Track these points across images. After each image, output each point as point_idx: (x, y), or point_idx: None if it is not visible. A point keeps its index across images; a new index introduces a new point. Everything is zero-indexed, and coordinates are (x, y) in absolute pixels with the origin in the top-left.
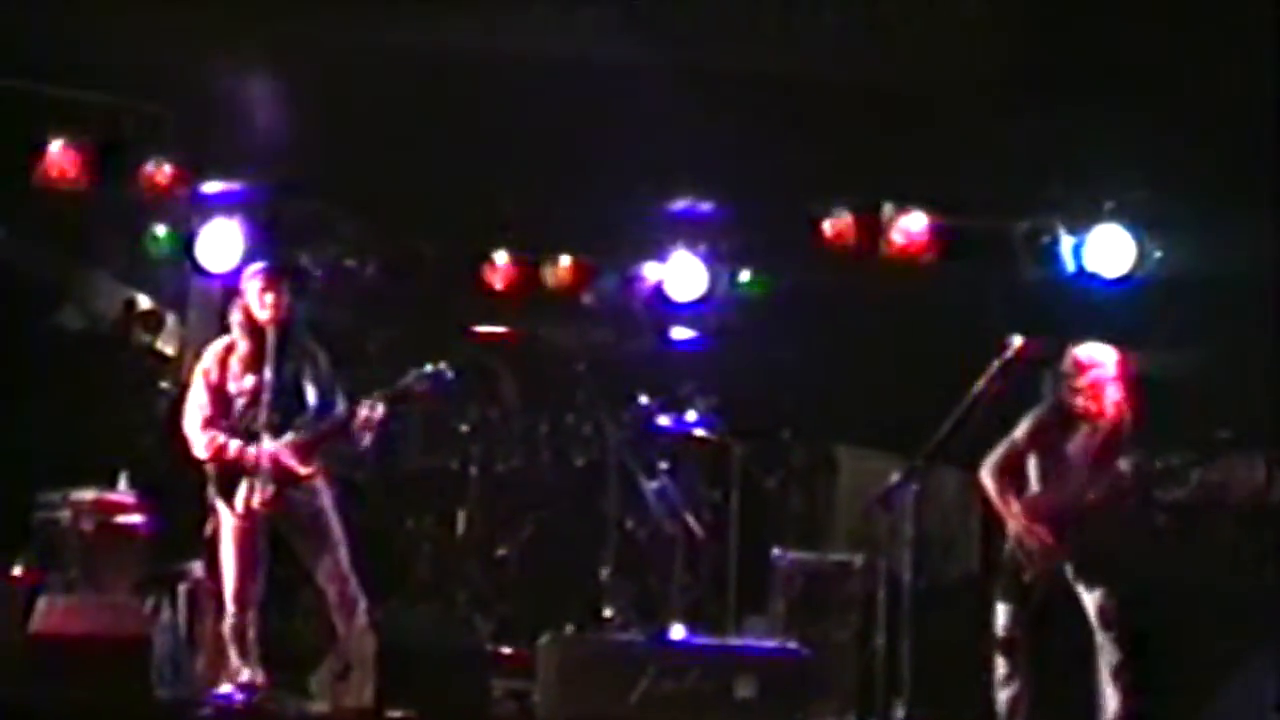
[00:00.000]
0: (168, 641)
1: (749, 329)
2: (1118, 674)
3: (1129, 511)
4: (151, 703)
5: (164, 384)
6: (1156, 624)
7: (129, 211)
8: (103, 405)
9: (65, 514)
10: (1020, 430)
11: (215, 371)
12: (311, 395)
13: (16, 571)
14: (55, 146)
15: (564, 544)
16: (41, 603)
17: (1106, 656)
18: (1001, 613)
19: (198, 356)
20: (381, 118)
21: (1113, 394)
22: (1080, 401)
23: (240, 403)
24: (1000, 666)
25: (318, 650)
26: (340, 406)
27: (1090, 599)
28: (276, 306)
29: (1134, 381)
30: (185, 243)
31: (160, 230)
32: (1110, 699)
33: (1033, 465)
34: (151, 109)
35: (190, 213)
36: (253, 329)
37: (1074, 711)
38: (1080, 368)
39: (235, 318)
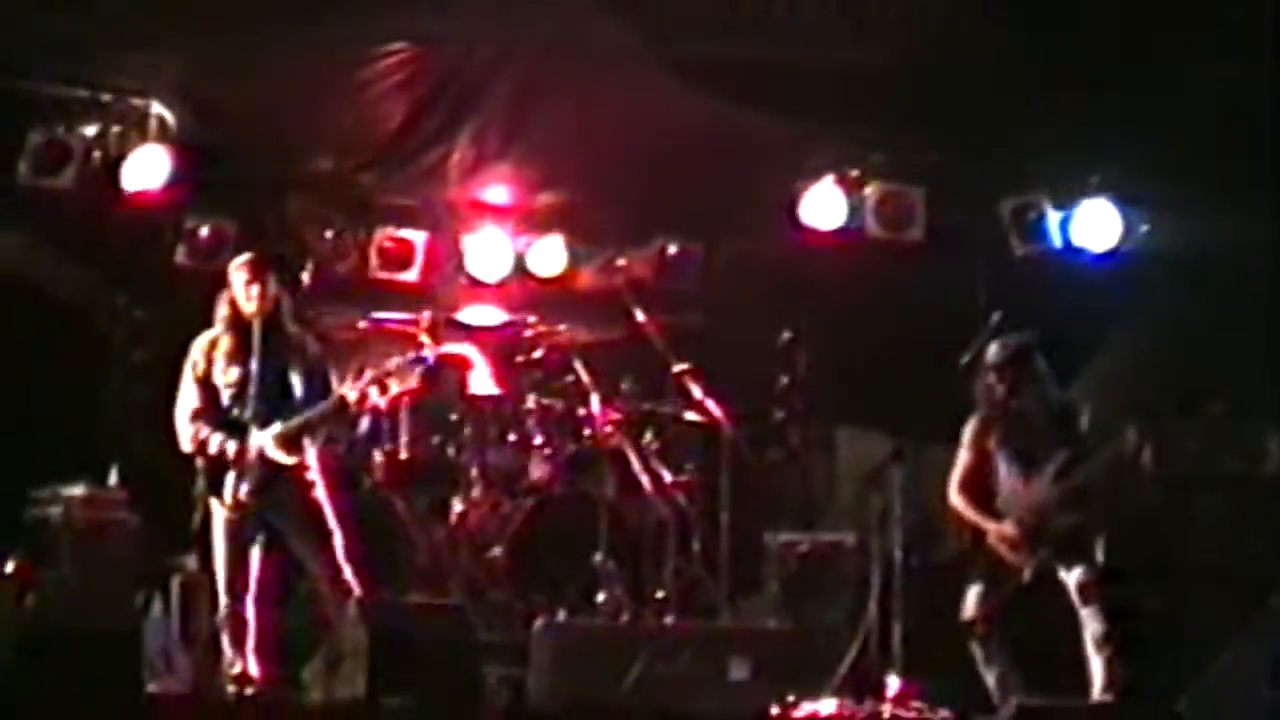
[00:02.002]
0: (160, 635)
1: (743, 310)
2: (1101, 645)
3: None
4: (144, 696)
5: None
6: (1145, 596)
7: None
8: (92, 399)
9: (57, 510)
10: (965, 439)
11: (202, 364)
12: (298, 386)
13: (9, 568)
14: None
15: (556, 530)
16: (33, 599)
17: (1090, 629)
18: (971, 594)
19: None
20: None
21: (1027, 379)
22: (1001, 394)
23: (227, 395)
24: (975, 649)
25: (311, 641)
26: (329, 396)
27: (1070, 578)
28: (262, 298)
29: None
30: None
31: None
32: (1097, 670)
33: (1000, 465)
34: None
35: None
36: (238, 321)
37: (1065, 686)
38: (995, 362)
39: (221, 310)
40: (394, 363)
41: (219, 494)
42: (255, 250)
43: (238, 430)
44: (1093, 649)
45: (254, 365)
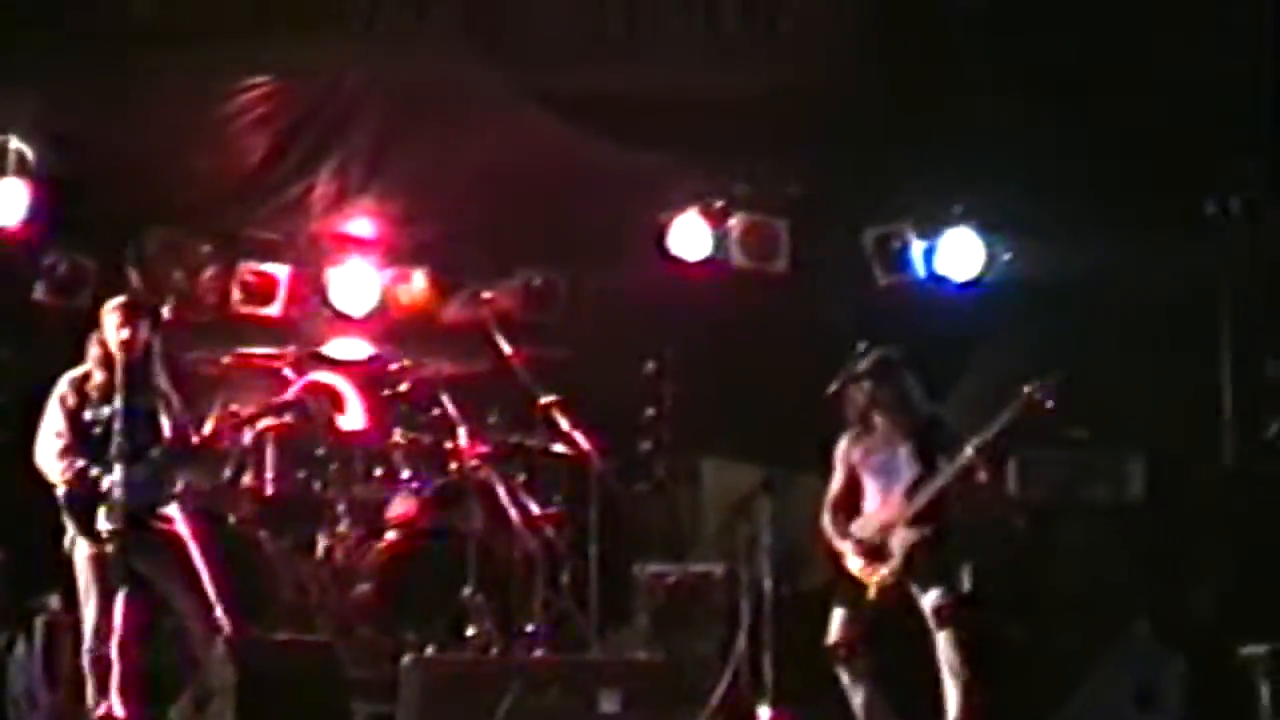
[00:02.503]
0: (23, 676)
1: (608, 341)
2: (956, 672)
3: (977, 499)
4: None
5: None
6: (1009, 624)
7: None
8: None
9: None
10: (836, 457)
11: (71, 398)
12: (166, 426)
13: None
14: None
15: (424, 565)
16: None
17: (944, 655)
18: (835, 618)
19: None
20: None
21: (877, 398)
22: (863, 403)
23: (96, 432)
24: (842, 674)
25: (178, 680)
26: (194, 435)
27: (926, 600)
28: (132, 340)
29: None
30: None
31: None
32: (951, 697)
33: (866, 484)
34: None
35: None
36: (109, 360)
37: (924, 712)
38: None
39: (93, 351)
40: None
41: (86, 529)
42: (118, 287)
43: (106, 465)
44: (947, 675)
45: (118, 402)
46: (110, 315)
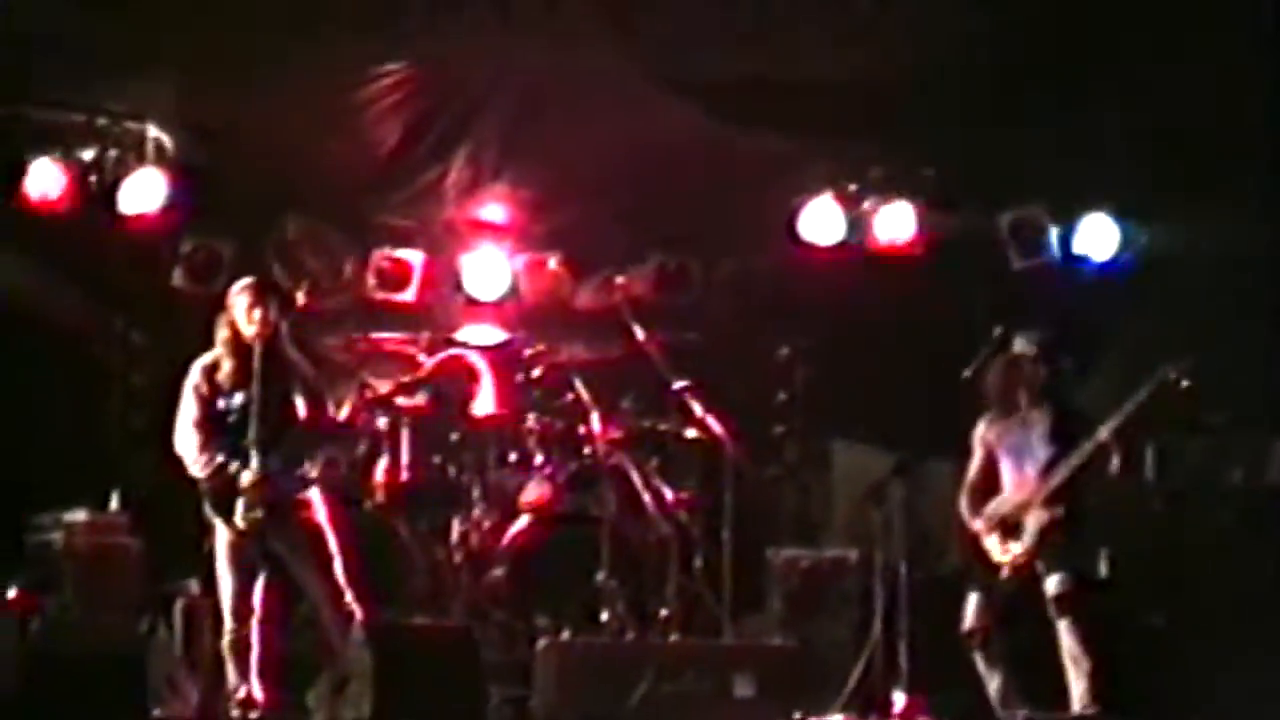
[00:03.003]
0: (164, 661)
1: (741, 326)
2: (1077, 660)
3: (1114, 485)
4: None
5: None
6: (1150, 612)
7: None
8: (91, 424)
9: (58, 536)
10: (975, 438)
11: (205, 387)
12: (301, 409)
13: (11, 594)
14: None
15: (558, 549)
16: (36, 624)
17: (1065, 644)
18: (970, 603)
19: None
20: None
21: (1034, 380)
22: (1005, 391)
23: (231, 419)
24: (977, 659)
25: (315, 665)
26: (329, 418)
27: (1048, 586)
28: (264, 323)
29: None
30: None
31: None
32: (1074, 684)
33: (1002, 464)
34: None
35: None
36: (239, 345)
37: (1056, 701)
38: (1008, 360)
39: (221, 334)
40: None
41: (226, 518)
42: (255, 274)
43: (242, 454)
44: (1069, 662)
45: (256, 389)
46: (240, 297)
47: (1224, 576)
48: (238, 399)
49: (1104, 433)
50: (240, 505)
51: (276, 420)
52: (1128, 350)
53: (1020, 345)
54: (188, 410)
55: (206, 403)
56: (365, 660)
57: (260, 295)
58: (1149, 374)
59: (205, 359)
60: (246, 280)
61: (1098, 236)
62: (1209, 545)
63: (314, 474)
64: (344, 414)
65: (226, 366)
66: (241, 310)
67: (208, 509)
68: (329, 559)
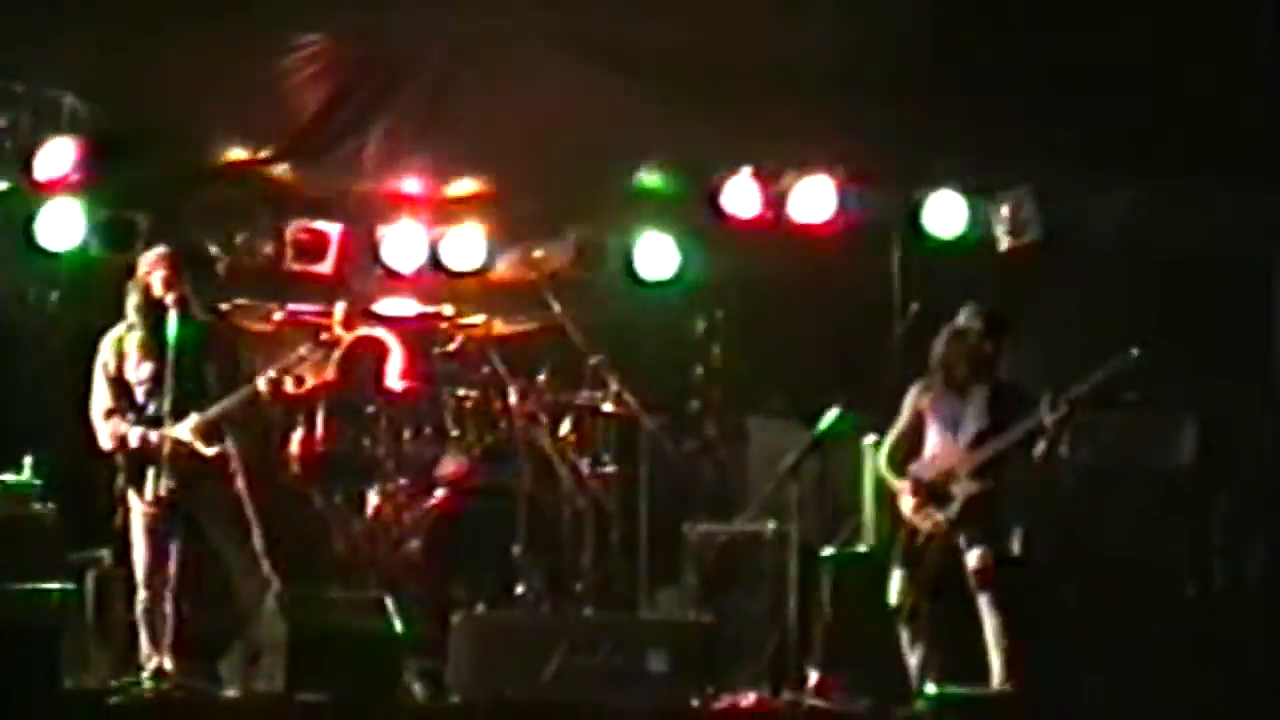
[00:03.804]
0: (76, 631)
1: (656, 302)
2: (997, 635)
3: (1038, 461)
4: (60, 693)
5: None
6: (1058, 587)
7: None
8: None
9: None
10: (906, 402)
11: (113, 362)
12: (212, 378)
13: None
14: None
15: (474, 521)
16: None
17: (985, 618)
18: (895, 579)
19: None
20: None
21: (977, 354)
22: (947, 361)
23: (141, 391)
24: (901, 633)
25: (228, 635)
26: (242, 388)
27: (969, 560)
28: (177, 291)
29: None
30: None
31: None
32: (994, 658)
33: (930, 430)
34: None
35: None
36: (149, 313)
37: (975, 674)
38: (954, 332)
39: (133, 300)
40: (305, 349)
41: (139, 489)
42: (171, 243)
43: (154, 424)
44: (989, 636)
45: (169, 357)
46: (153, 265)
47: (1135, 554)
48: (148, 369)
49: (1046, 412)
50: (151, 475)
51: (189, 390)
52: (1037, 329)
53: (965, 318)
54: (99, 384)
55: (115, 377)
56: (279, 631)
57: (174, 264)
58: (1067, 353)
59: (114, 332)
60: (160, 249)
61: (1007, 216)
62: (1121, 523)
63: (229, 442)
64: (262, 385)
65: (136, 337)
66: (157, 279)
67: (120, 479)
68: (247, 527)
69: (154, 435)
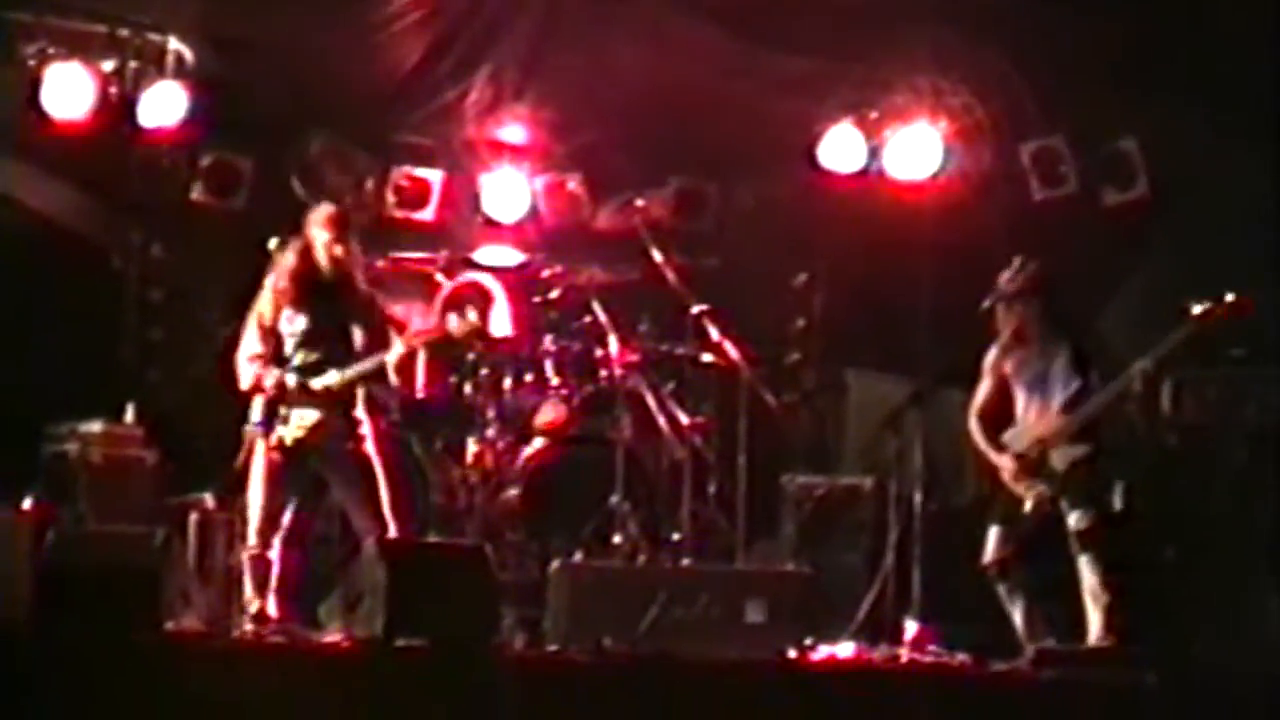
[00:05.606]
0: (178, 573)
1: (759, 251)
2: (1096, 595)
3: (1135, 420)
4: (162, 635)
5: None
6: (1159, 546)
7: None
8: (108, 336)
9: (74, 446)
10: (985, 366)
11: (269, 312)
12: (359, 337)
13: (25, 505)
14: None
15: (573, 471)
16: (51, 535)
17: (1085, 579)
18: (991, 536)
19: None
20: None
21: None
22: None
23: (292, 343)
24: (999, 590)
25: (329, 579)
26: (387, 349)
27: (1070, 521)
28: (345, 254)
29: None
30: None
31: None
32: (1092, 618)
33: (1018, 395)
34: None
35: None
36: (305, 269)
37: (1070, 631)
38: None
39: (288, 260)
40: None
41: (267, 434)
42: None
43: (299, 374)
44: (1088, 597)
45: (319, 314)
46: (319, 229)
47: (1236, 512)
48: (301, 323)
49: (1137, 369)
50: (281, 421)
51: (337, 350)
52: (1145, 284)
53: (1006, 284)
54: (250, 331)
55: (271, 326)
56: (379, 576)
57: (340, 228)
58: (1168, 309)
59: (269, 285)
60: (328, 210)
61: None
62: (1222, 481)
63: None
64: (399, 349)
65: (292, 291)
66: (322, 243)
67: (250, 425)
68: (375, 491)
69: (291, 380)
